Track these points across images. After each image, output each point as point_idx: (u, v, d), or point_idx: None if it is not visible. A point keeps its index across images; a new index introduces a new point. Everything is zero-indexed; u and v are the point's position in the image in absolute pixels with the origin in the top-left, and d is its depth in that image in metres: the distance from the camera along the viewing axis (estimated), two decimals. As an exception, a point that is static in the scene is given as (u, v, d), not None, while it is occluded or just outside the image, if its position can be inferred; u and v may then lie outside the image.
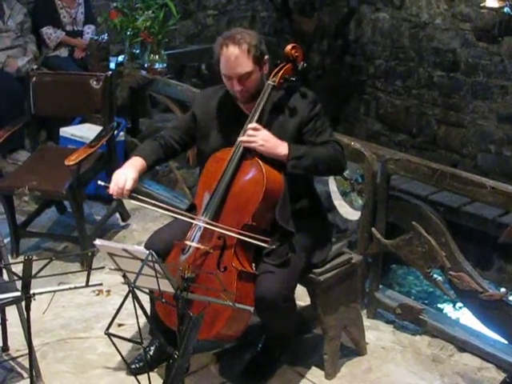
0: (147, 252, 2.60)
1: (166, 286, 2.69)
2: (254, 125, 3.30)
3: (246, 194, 3.29)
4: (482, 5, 6.57)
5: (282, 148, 3.28)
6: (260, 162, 3.29)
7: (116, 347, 2.64)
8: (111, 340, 2.60)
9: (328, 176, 3.34)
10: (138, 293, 2.69)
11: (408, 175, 4.04)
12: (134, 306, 2.60)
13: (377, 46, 8.46)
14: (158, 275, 2.64)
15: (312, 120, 3.37)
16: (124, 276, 2.74)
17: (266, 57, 3.38)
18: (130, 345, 3.67)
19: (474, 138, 7.62)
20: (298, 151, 3.28)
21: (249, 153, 3.34)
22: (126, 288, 2.67)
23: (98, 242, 2.75)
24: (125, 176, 3.33)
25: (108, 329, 2.59)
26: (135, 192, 3.35)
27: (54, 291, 2.96)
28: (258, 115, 3.35)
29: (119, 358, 2.78)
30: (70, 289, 3.00)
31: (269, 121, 3.39)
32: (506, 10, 6.36)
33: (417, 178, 4.01)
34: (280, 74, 3.40)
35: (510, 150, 7.42)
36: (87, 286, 2.86)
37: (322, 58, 8.90)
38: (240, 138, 3.33)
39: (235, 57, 3.25)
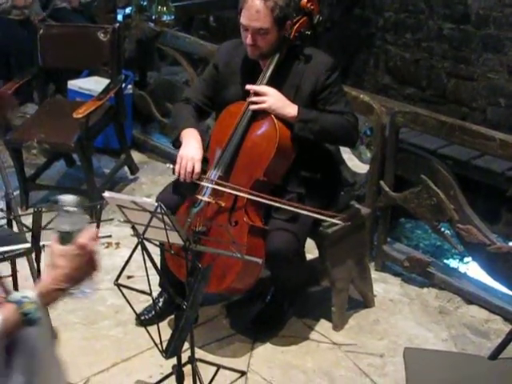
0: (156, 204, 2.61)
1: (175, 238, 2.70)
2: (262, 87, 3.27)
3: (259, 150, 3.27)
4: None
5: (290, 109, 3.25)
6: (273, 117, 3.27)
7: (125, 297, 2.66)
8: (120, 290, 2.62)
9: (338, 146, 3.30)
10: (148, 245, 2.70)
11: (417, 128, 4.01)
12: (144, 257, 2.61)
13: (386, -3, 8.34)
14: (167, 227, 2.65)
15: (327, 88, 3.30)
16: (133, 228, 2.75)
17: (289, 22, 3.30)
18: (139, 297, 3.66)
19: (483, 92, 7.55)
20: (306, 115, 3.25)
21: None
22: (135, 241, 2.67)
23: (106, 194, 2.75)
24: (192, 159, 3.27)
25: (117, 280, 2.61)
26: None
27: (64, 243, 2.96)
28: (270, 71, 3.32)
29: (129, 309, 2.80)
30: (80, 240, 3.01)
31: (281, 81, 3.34)
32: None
33: (426, 130, 4.00)
34: (295, 27, 3.35)
35: (520, 103, 7.36)
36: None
37: (331, 11, 8.78)
38: (249, 99, 3.30)
39: (257, 10, 3.18)
